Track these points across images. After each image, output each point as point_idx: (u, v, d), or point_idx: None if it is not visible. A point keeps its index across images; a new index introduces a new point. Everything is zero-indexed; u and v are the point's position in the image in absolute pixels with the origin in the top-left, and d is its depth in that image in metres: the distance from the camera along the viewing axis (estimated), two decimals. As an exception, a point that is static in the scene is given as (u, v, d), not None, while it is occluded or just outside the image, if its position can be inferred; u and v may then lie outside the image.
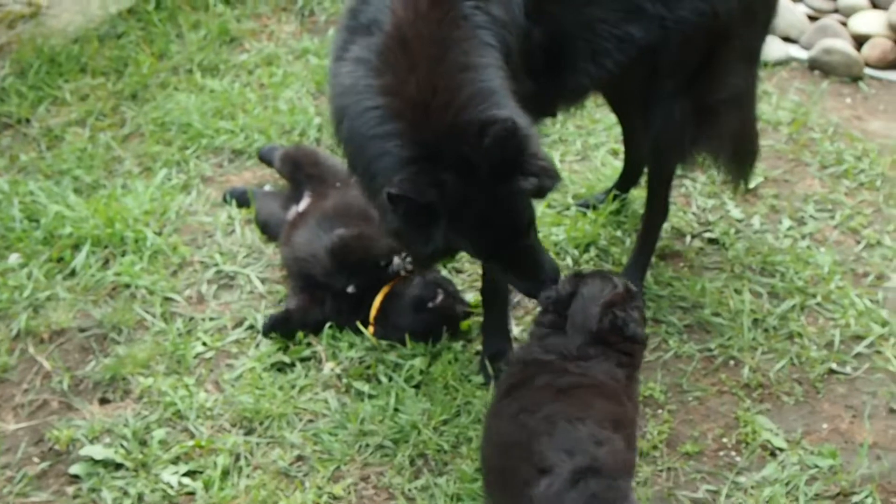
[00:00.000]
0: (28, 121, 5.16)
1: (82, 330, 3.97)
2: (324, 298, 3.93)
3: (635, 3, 3.45)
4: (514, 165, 2.99)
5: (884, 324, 3.99)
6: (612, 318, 3.07)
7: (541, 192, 3.11)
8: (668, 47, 3.55)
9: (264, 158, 4.73)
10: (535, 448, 2.80)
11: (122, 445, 3.49)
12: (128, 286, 4.13)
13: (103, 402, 3.70)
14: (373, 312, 3.90)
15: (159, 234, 4.38)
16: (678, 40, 3.54)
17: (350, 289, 3.89)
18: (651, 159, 4.03)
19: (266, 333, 3.91)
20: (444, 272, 4.13)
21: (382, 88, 3.07)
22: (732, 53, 3.73)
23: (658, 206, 4.06)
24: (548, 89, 3.46)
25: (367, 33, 3.14)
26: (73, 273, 4.19)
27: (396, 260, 3.89)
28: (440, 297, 3.86)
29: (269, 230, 4.40)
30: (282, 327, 3.90)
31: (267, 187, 4.66)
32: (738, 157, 4.13)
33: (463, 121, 2.98)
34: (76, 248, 4.27)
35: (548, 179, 3.07)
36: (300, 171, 4.40)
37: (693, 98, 3.72)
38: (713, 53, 3.66)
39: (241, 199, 4.56)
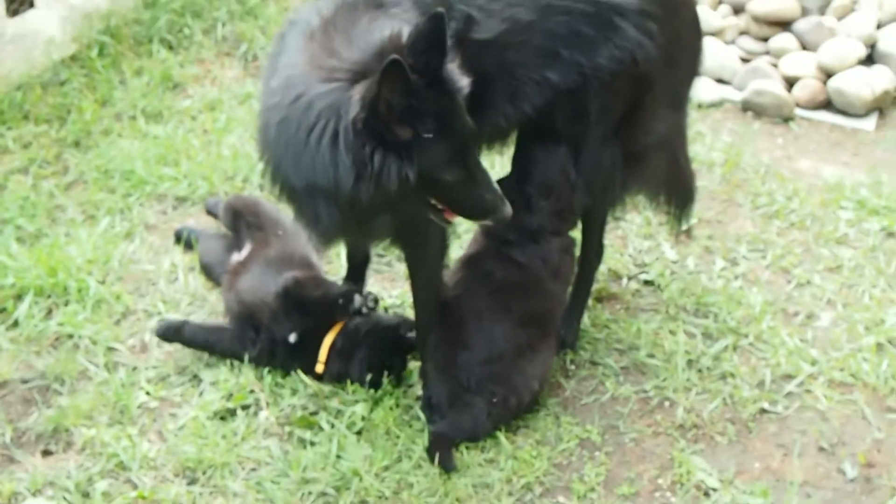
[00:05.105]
0: (-31, 169, 5.16)
1: (24, 381, 3.95)
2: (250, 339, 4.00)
3: (552, 49, 3.54)
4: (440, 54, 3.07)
5: (813, 362, 4.10)
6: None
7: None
8: (591, 94, 3.62)
9: (211, 211, 4.77)
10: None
11: (64, 498, 3.50)
12: (71, 336, 4.13)
13: (46, 453, 3.70)
14: (323, 354, 3.94)
15: (102, 282, 4.39)
16: (598, 87, 3.61)
17: (292, 338, 3.93)
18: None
19: (157, 335, 4.03)
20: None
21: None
22: (657, 100, 3.82)
23: (592, 250, 4.15)
24: None
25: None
26: (15, 323, 4.18)
27: (358, 298, 3.89)
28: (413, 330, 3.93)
29: (212, 274, 4.43)
30: (172, 335, 4.02)
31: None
32: (674, 199, 4.24)
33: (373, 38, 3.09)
34: (19, 298, 4.26)
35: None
36: (240, 219, 4.43)
37: (621, 144, 3.80)
38: (638, 100, 3.75)
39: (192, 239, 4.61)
